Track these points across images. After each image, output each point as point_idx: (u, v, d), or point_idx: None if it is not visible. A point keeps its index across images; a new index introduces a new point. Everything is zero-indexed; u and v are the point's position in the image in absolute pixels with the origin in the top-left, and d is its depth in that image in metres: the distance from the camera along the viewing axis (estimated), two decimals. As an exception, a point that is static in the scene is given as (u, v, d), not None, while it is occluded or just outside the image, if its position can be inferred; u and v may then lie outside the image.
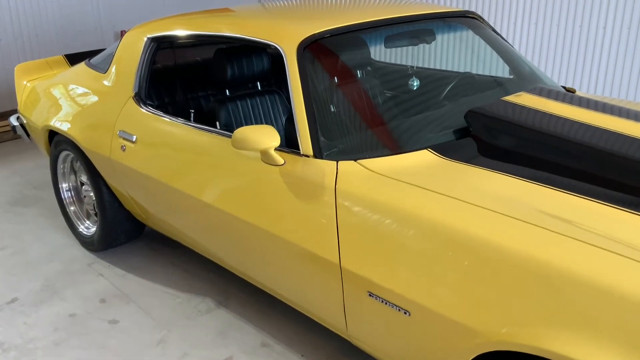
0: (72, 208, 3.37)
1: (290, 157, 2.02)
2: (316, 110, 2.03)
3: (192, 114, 2.72)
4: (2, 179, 4.48)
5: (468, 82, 2.58)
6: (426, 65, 2.70)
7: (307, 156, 1.98)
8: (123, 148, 2.69)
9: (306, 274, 1.97)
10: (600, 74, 4.77)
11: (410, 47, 2.65)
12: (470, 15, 2.78)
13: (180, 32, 2.62)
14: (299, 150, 2.02)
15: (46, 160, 4.85)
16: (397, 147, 1.96)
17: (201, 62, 3.34)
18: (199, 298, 2.86)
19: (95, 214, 3.36)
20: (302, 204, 1.92)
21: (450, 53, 2.72)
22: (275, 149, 2.04)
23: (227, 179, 2.23)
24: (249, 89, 2.96)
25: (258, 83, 2.91)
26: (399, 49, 2.75)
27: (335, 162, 1.90)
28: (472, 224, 1.56)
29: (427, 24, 2.53)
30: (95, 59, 3.30)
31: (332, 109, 2.09)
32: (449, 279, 1.54)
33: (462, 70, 2.92)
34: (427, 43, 2.50)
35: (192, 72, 3.22)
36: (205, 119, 3.15)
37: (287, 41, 2.15)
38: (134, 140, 2.64)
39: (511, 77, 2.75)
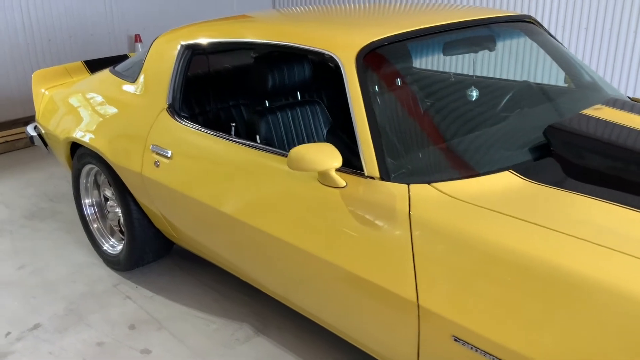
0: (95, 225, 3.18)
1: (352, 179, 1.83)
2: (380, 126, 1.83)
3: (232, 128, 2.52)
4: (17, 191, 4.29)
5: (529, 92, 2.39)
6: (478, 74, 2.50)
7: (372, 178, 1.78)
8: (156, 164, 2.50)
9: (370, 309, 1.78)
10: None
11: (460, 55, 2.45)
12: (527, 20, 2.59)
13: (219, 39, 2.43)
14: (360, 170, 1.82)
15: (62, 171, 4.66)
16: (475, 168, 1.76)
17: (232, 70, 3.14)
18: (236, 324, 2.66)
19: (120, 231, 3.17)
20: (369, 232, 1.72)
21: (505, 60, 2.52)
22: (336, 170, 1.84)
23: (275, 200, 2.04)
24: (287, 99, 2.77)
25: (298, 93, 2.72)
26: (450, 57, 2.56)
27: (407, 185, 1.71)
28: (578, 260, 1.36)
29: (484, 29, 2.34)
30: (121, 67, 3.11)
31: (399, 125, 1.89)
32: (553, 324, 1.34)
33: (514, 78, 2.73)
34: (490, 50, 2.30)
35: (224, 80, 3.03)
36: (243, 130, 2.96)
37: (344, 50, 1.96)
38: (168, 155, 2.45)
39: (569, 85, 2.55)
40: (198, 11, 7.23)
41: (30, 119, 5.43)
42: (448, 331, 1.53)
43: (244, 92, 3.03)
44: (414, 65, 2.27)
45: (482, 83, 2.42)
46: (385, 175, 1.76)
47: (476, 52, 2.31)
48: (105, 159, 2.75)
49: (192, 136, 2.41)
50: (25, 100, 5.81)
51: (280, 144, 2.59)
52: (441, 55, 2.25)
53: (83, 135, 2.91)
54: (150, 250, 2.96)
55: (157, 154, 2.50)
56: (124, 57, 3.93)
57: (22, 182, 4.45)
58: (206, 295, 2.88)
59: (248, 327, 2.63)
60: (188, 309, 2.78)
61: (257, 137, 2.52)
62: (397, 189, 1.71)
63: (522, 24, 2.56)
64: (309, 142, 2.69)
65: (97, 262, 3.23)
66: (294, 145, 2.65)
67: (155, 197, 2.59)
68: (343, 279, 1.81)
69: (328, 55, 1.99)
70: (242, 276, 2.50)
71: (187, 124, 2.47)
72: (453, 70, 2.57)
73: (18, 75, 5.73)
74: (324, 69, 3.28)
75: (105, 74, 3.14)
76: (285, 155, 2.06)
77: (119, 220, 3.14)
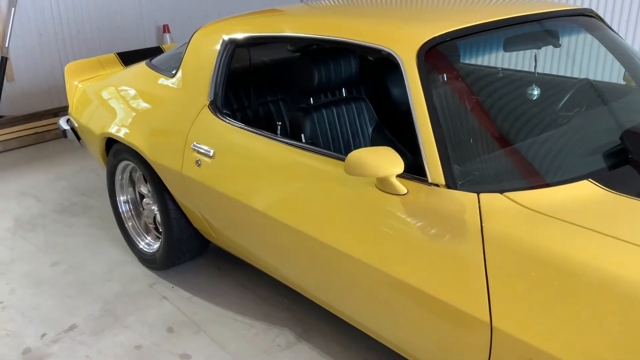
0: (130, 223, 3.10)
1: (414, 186, 1.71)
2: (445, 129, 1.71)
3: (279, 127, 2.42)
4: (47, 184, 4.24)
5: (591, 91, 2.24)
6: (533, 72, 2.36)
7: (437, 185, 1.66)
8: (198, 163, 2.40)
9: (432, 325, 1.66)
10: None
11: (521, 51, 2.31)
12: (587, 14, 2.43)
13: (266, 33, 2.31)
14: (422, 176, 1.71)
15: (92, 164, 4.60)
16: (550, 176, 1.63)
17: (271, 64, 3.03)
18: (277, 329, 2.56)
19: (156, 229, 3.10)
20: (434, 244, 1.60)
21: (562, 56, 2.38)
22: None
23: (326, 204, 1.93)
24: (330, 96, 2.65)
25: (343, 89, 2.60)
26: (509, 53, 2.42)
27: (476, 194, 1.59)
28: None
29: (546, 24, 2.19)
30: (158, 60, 3.01)
31: (464, 128, 1.77)
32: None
33: (573, 76, 2.58)
34: (555, 46, 2.16)
35: (263, 74, 2.92)
36: (283, 128, 2.85)
37: (404, 46, 1.84)
38: (211, 154, 2.35)
39: (629, 83, 2.40)
40: (226, 3, 7.13)
41: (59, 110, 5.38)
42: (525, 354, 1.41)
43: (285, 87, 2.92)
44: (475, 62, 2.14)
45: (552, 82, 2.27)
46: (451, 183, 1.64)
47: (539, 48, 2.18)
48: (144, 156, 2.67)
49: (235, 135, 2.31)
50: (54, 91, 5.77)
51: (325, 143, 2.48)
52: (501, 52, 2.11)
53: (119, 131, 2.82)
54: (187, 249, 2.87)
55: (199, 152, 2.41)
56: (157, 50, 3.84)
57: (52, 175, 4.40)
58: (244, 298, 2.80)
59: (289, 332, 2.54)
60: (226, 312, 2.70)
61: (302, 135, 2.41)
62: (465, 198, 1.59)
63: (582, 18, 2.41)
64: (354, 141, 2.58)
65: (132, 260, 3.16)
66: (339, 145, 2.54)
67: (196, 196, 2.50)
68: (401, 292, 1.70)
69: (386, 51, 1.87)
70: (283, 279, 2.40)
71: (230, 122, 2.36)
72: (508, 68, 2.43)
73: (46, 67, 5.69)
74: (369, 64, 3.15)
75: (141, 67, 3.05)
76: (337, 158, 1.95)
77: (154, 218, 3.07)
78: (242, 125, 2.32)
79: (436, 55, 1.84)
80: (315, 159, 2.01)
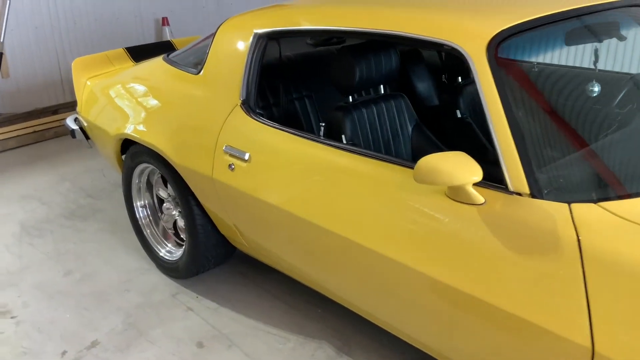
0: (148, 230, 2.92)
1: (492, 194, 1.55)
2: (525, 131, 1.56)
3: (322, 129, 2.25)
4: (52, 186, 4.04)
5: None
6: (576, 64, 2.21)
7: (519, 194, 1.51)
8: (231, 167, 2.23)
9: (515, 348, 1.51)
10: None
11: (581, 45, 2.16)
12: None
13: (305, 27, 2.14)
14: (500, 184, 1.55)
15: (96, 164, 4.40)
16: (645, 184, 1.49)
17: (294, 59, 2.85)
18: (314, 342, 2.41)
19: (175, 234, 2.92)
20: (521, 261, 1.45)
21: (604, 50, 2.23)
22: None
23: (382, 212, 1.77)
24: (369, 93, 2.49)
25: (381, 86, 2.44)
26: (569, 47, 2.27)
27: (566, 204, 1.43)
28: None
29: (609, 15, 2.04)
30: (177, 56, 2.83)
31: (545, 129, 1.62)
32: None
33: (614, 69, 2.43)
34: (620, 40, 2.01)
35: (287, 70, 2.74)
36: (313, 125, 2.68)
37: (471, 39, 1.68)
38: (246, 158, 2.18)
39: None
40: (227, -7, 6.92)
41: (59, 107, 5.16)
42: (636, 385, 1.27)
43: (310, 83, 2.74)
44: (556, 57, 1.99)
45: (622, 80, 2.12)
46: (536, 192, 1.49)
47: (602, 41, 2.03)
48: (168, 159, 2.49)
49: (273, 137, 2.14)
50: (51, 87, 5.54)
51: (365, 143, 2.32)
52: (563, 46, 1.96)
53: (139, 132, 2.64)
54: (212, 256, 2.70)
55: (232, 155, 2.24)
56: (167, 44, 3.65)
57: (55, 176, 4.20)
58: (275, 308, 2.63)
59: (328, 346, 2.39)
60: (257, 323, 2.54)
61: (343, 137, 2.25)
62: (555, 209, 1.44)
63: (635, 9, 2.26)
64: (394, 141, 2.42)
65: (150, 267, 2.98)
66: (379, 145, 2.38)
67: (227, 202, 2.33)
68: (480, 312, 1.55)
69: (450, 46, 1.71)
70: (321, 289, 2.24)
71: (265, 123, 2.19)
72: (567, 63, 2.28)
73: (43, 61, 5.46)
74: (410, 57, 2.99)
75: (158, 63, 2.86)
76: (395, 163, 1.79)
77: (174, 223, 2.89)
78: (280, 126, 2.15)
79: (507, 49, 1.68)
80: (368, 163, 1.85)
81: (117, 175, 4.15)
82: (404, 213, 1.71)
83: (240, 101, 2.28)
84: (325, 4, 2.23)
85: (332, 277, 2.08)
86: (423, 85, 3.08)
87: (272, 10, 2.37)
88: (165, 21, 6.25)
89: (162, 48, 3.60)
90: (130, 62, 3.44)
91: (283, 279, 2.81)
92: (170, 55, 2.88)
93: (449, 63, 2.88)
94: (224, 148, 2.27)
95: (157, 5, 6.31)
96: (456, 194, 1.57)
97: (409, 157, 2.46)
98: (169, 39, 6.28)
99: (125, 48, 3.51)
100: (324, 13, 2.13)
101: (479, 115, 2.75)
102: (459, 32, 1.71)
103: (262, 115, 2.25)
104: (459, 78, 2.80)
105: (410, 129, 2.46)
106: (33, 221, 3.51)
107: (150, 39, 6.32)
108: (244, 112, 2.26)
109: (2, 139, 4.73)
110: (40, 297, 2.77)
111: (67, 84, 5.68)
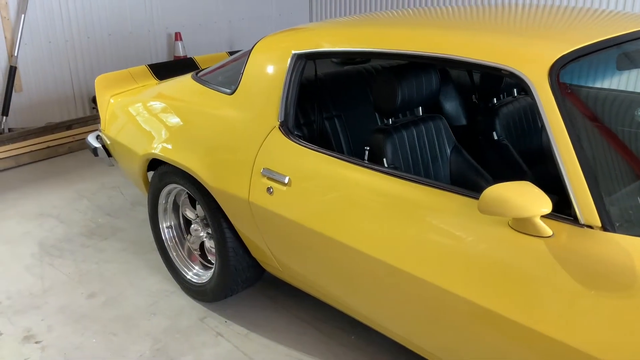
0: (175, 253, 2.86)
1: (559, 226, 1.50)
2: (593, 160, 1.50)
3: (366, 152, 2.19)
4: (69, 203, 3.97)
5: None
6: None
7: (591, 227, 1.45)
8: (269, 190, 2.17)
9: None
10: None
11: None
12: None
13: (349, 48, 2.09)
14: (569, 216, 1.50)
15: (112, 180, 4.34)
16: None
17: (323, 78, 2.80)
18: (351, 371, 2.34)
19: (201, 256, 2.86)
20: (593, 296, 1.39)
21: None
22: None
23: (438, 242, 1.71)
24: (406, 114, 2.44)
25: (420, 107, 2.39)
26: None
27: (642, 238, 1.38)
28: None
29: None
30: (207, 75, 2.78)
31: (612, 158, 1.57)
32: None
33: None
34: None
35: (325, 88, 2.69)
36: (346, 145, 2.63)
37: (533, 64, 1.63)
38: (285, 182, 2.12)
39: None
40: (236, 10, 6.90)
41: (73, 122, 5.11)
42: None
43: (339, 103, 2.69)
44: (615, 81, 1.94)
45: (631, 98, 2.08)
46: (608, 225, 1.43)
47: (654, 66, 1.98)
48: (201, 181, 2.43)
49: (314, 160, 2.09)
50: (64, 101, 5.50)
51: (405, 167, 2.26)
52: (615, 71, 1.92)
53: (169, 152, 2.58)
54: (242, 280, 2.64)
55: (270, 178, 2.18)
56: (189, 62, 3.61)
57: (72, 193, 4.13)
58: (307, 334, 2.56)
59: (365, 374, 2.32)
60: (290, 351, 2.47)
61: (384, 160, 2.19)
62: (629, 243, 1.38)
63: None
64: (433, 165, 2.36)
65: (175, 289, 2.91)
66: (419, 168, 2.32)
67: (264, 226, 2.27)
68: (551, 350, 1.49)
69: (509, 71, 1.66)
70: (359, 316, 2.17)
71: (306, 145, 2.14)
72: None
73: (56, 75, 5.42)
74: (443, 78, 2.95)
75: (187, 81, 2.81)
76: (447, 189, 1.74)
77: (200, 245, 2.83)
78: (320, 148, 2.10)
79: (568, 74, 1.64)
80: (419, 189, 1.79)
81: (134, 193, 4.09)
82: (461, 243, 1.65)
83: (278, 123, 2.23)
84: (367, 25, 2.18)
85: (377, 306, 2.01)
86: (451, 105, 3.04)
87: (311, 30, 2.33)
88: (178, 36, 6.22)
89: (184, 66, 3.56)
90: (152, 80, 3.39)
91: (313, 304, 2.75)
92: (200, 74, 2.83)
93: (482, 84, 2.84)
94: (262, 171, 2.21)
95: (170, 20, 6.29)
96: (522, 225, 1.51)
97: (447, 181, 2.40)
98: (182, 54, 6.28)
99: (148, 65, 3.47)
100: (371, 35, 2.08)
101: (516, 137, 2.71)
102: (518, 56, 1.67)
103: (300, 136, 2.20)
104: (494, 99, 2.75)
105: (449, 151, 2.41)
106: (52, 240, 3.44)
107: (162, 53, 6.29)
108: (282, 134, 2.20)
109: (16, 155, 4.67)
110: (65, 320, 2.69)
111: (80, 99, 5.64)
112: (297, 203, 2.10)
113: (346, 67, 3.12)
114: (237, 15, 6.96)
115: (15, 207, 3.92)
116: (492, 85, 2.77)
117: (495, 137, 2.63)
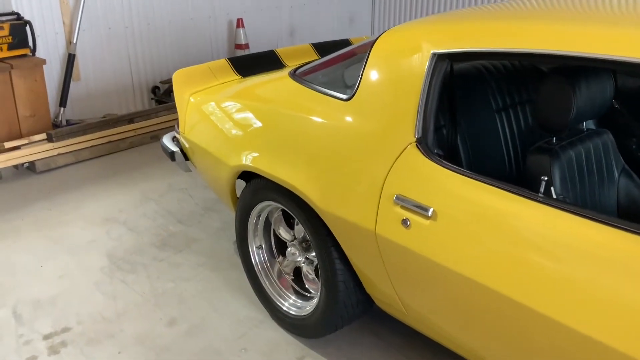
0: (267, 282, 2.49)
1: None
2: None
3: (543, 183, 1.76)
4: (135, 207, 3.65)
5: None
6: None
7: None
8: (406, 223, 1.77)
9: None
10: None
11: None
12: None
13: (507, 48, 1.66)
14: None
15: (180, 181, 4.01)
16: None
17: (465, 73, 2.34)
18: None
19: (293, 280, 2.49)
20: None
21: None
22: None
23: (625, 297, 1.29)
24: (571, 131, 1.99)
25: (592, 121, 1.96)
26: None
27: None
28: None
29: None
30: (310, 73, 2.38)
31: None
32: None
33: None
34: None
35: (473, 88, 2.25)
36: (501, 168, 2.18)
37: None
38: (429, 214, 1.71)
39: None
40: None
41: (135, 116, 4.80)
42: None
43: (474, 108, 2.25)
44: None
45: None
46: None
47: None
48: (310, 203, 2.05)
49: (467, 188, 1.67)
50: (122, 92, 5.20)
51: (573, 197, 1.83)
52: None
53: (268, 166, 2.21)
54: (349, 315, 2.26)
55: (407, 209, 1.77)
56: (271, 54, 3.21)
57: (137, 194, 3.82)
58: (427, 383, 2.18)
59: None
60: (410, 405, 2.08)
61: (552, 189, 1.76)
62: None
63: None
64: (599, 191, 1.93)
65: (264, 317, 2.56)
66: (585, 199, 1.88)
67: (394, 265, 1.87)
68: None
69: None
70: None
71: (453, 169, 1.72)
72: None
73: (114, 63, 5.11)
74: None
75: (285, 82, 2.43)
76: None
77: (293, 269, 2.47)
78: (474, 174, 1.68)
79: None
80: (620, 236, 1.37)
81: (204, 197, 3.75)
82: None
83: (415, 139, 1.82)
84: (535, 20, 1.74)
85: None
86: None
87: (452, 24, 1.90)
88: (240, 23, 5.85)
89: (267, 60, 3.17)
90: (233, 75, 3.01)
91: (424, 344, 2.36)
92: (300, 73, 2.43)
93: (626, 89, 2.37)
94: (394, 198, 1.81)
95: (232, 6, 5.92)
96: None
97: (614, 212, 1.97)
98: (243, 42, 5.90)
99: (228, 59, 3.09)
100: (541, 32, 1.64)
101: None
102: None
103: (444, 157, 1.79)
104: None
105: (617, 174, 1.96)
106: (122, 251, 3.13)
107: (223, 41, 5.94)
108: (421, 154, 1.79)
109: (76, 150, 4.38)
110: (145, 353, 2.36)
111: (139, 89, 5.34)
112: (445, 242, 1.69)
113: (461, 65, 2.68)
114: (298, 1, 6.54)
115: (78, 209, 3.63)
116: (636, 88, 2.32)
117: None
